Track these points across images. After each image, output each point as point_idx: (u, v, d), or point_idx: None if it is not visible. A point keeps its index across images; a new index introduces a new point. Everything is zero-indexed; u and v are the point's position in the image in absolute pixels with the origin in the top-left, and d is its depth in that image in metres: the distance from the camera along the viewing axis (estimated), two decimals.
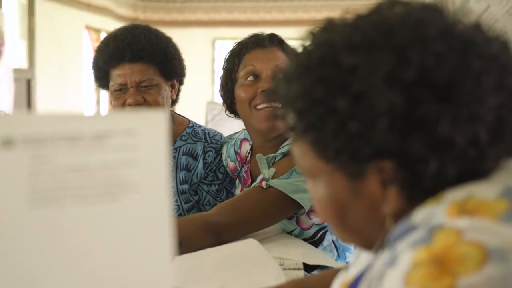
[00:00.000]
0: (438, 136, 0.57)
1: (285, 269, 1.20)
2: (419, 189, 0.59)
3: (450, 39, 0.59)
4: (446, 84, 0.57)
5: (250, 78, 1.52)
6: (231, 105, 1.60)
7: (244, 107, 1.52)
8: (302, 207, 1.41)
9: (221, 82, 1.61)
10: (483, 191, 0.56)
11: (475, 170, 0.59)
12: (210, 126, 3.36)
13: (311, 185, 0.67)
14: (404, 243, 0.56)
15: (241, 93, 1.53)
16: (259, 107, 1.49)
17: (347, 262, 1.49)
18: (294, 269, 1.22)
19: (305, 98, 0.61)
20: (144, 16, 8.33)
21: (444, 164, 0.58)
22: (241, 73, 1.53)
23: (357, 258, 0.76)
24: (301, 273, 1.21)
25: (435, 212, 0.56)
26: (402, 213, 0.60)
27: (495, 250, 0.50)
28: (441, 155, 0.58)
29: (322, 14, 8.28)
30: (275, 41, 1.54)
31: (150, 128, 0.53)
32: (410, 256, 0.53)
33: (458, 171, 0.58)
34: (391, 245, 0.59)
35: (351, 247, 1.50)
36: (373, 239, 0.64)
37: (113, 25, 1.75)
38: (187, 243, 1.25)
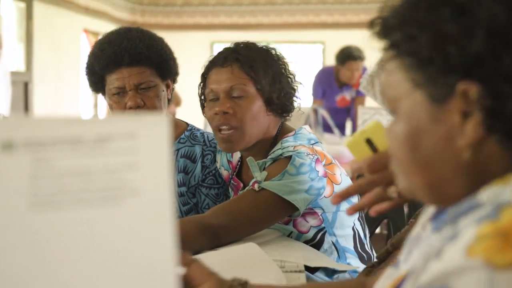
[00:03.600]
0: None
1: (286, 271, 1.20)
2: (501, 121, 0.58)
3: None
4: None
5: (211, 99, 1.54)
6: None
7: (211, 125, 1.55)
8: (297, 209, 1.41)
9: (199, 97, 1.62)
10: None
11: None
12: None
13: (391, 124, 0.67)
14: (468, 220, 0.56)
15: (206, 112, 1.57)
16: (219, 128, 1.51)
17: (348, 263, 1.48)
18: (296, 271, 1.22)
19: (410, 9, 0.64)
20: (143, 19, 8.33)
21: None
22: (206, 91, 1.56)
23: (409, 254, 0.73)
24: (303, 276, 1.21)
25: (503, 191, 0.57)
26: (477, 147, 0.60)
27: None
28: None
29: (320, 18, 8.29)
30: (232, 58, 1.51)
31: (152, 132, 0.52)
32: (474, 230, 0.53)
33: None
34: (453, 222, 0.58)
35: (351, 247, 1.50)
36: (442, 179, 0.63)
37: (111, 28, 1.72)
38: (183, 244, 1.25)
